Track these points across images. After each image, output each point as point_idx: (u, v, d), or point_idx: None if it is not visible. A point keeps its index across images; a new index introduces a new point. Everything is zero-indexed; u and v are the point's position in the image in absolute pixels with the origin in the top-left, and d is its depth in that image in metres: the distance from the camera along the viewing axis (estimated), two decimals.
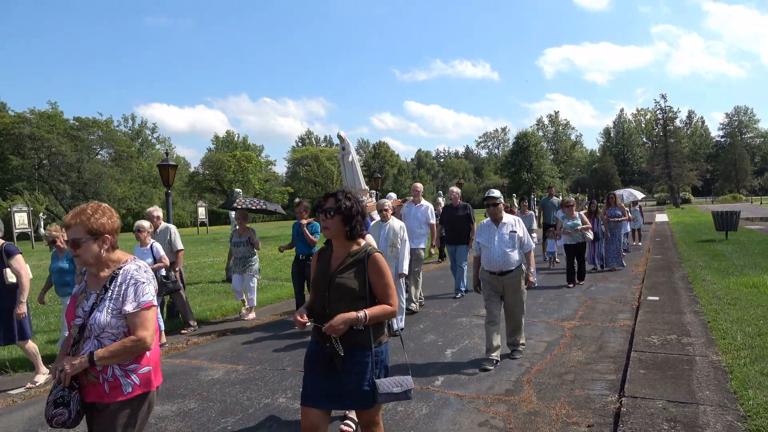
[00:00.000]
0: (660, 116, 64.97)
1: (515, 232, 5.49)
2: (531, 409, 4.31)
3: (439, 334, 6.90)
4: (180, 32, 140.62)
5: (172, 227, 7.76)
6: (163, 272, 7.01)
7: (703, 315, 6.88)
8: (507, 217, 5.58)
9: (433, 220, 8.76)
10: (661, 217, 33.65)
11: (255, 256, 8.35)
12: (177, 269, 7.53)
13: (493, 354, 5.51)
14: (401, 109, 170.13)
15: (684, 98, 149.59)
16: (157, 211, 7.75)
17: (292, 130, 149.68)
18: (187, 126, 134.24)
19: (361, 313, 2.74)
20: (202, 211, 44.55)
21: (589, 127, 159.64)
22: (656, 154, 66.53)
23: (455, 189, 9.90)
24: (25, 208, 33.47)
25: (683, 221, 28.40)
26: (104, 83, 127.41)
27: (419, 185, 9.07)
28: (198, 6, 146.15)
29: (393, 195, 10.30)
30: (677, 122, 69.20)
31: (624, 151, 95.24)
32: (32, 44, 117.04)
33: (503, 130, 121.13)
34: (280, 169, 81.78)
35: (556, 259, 12.93)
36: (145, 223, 6.92)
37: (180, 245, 7.69)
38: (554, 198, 13.95)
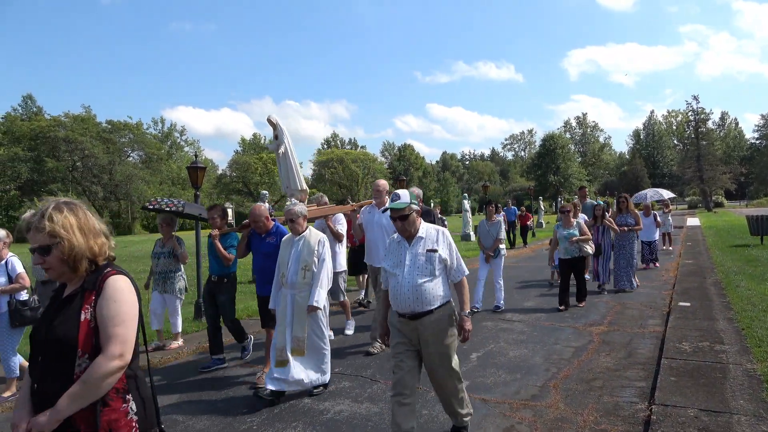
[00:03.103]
0: (692, 118, 63.67)
1: (435, 251, 3.59)
2: (558, 416, 4.25)
3: None
4: (204, 36, 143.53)
5: None
6: (24, 295, 5.32)
7: (737, 322, 6.69)
8: (426, 229, 3.70)
9: None
10: (693, 221, 32.88)
11: (180, 272, 6.89)
12: None
13: None
14: (424, 112, 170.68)
15: (716, 99, 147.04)
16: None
17: (316, 132, 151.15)
18: (213, 129, 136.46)
19: None
20: (229, 213, 45.22)
21: (617, 130, 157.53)
22: (688, 156, 65.21)
23: (415, 190, 7.85)
24: None
25: (716, 225, 27.68)
26: (131, 87, 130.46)
27: (382, 182, 6.62)
28: (221, 11, 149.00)
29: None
30: (710, 124, 67.66)
31: (654, 153, 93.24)
32: (63, 50, 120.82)
33: (530, 132, 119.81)
34: (306, 171, 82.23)
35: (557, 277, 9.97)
36: (0, 232, 5.44)
37: None
38: (588, 201, 11.62)
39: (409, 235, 3.67)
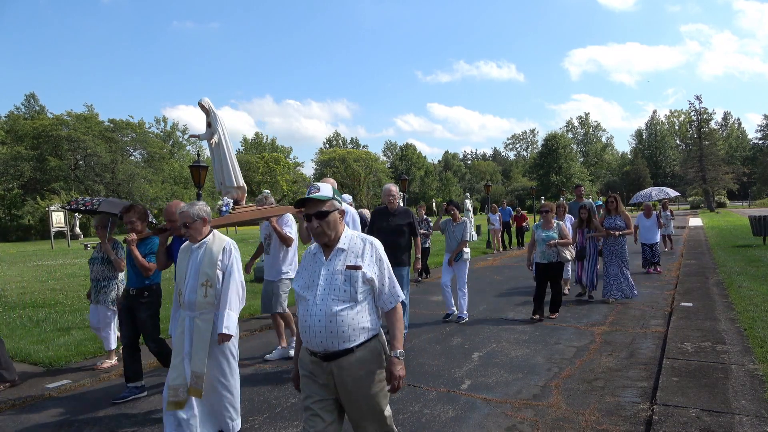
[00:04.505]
0: (694, 118, 63.66)
1: (358, 268, 2.70)
2: (559, 415, 4.25)
3: (465, 338, 6.86)
4: (205, 35, 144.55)
5: None
6: None
7: (739, 322, 6.68)
8: (349, 239, 2.81)
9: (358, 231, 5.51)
10: (695, 222, 32.83)
11: (115, 279, 6.07)
12: None
13: None
14: (425, 111, 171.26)
15: (718, 99, 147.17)
16: None
17: (317, 131, 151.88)
18: None
19: None
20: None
21: (619, 129, 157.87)
22: (690, 156, 65.31)
23: (392, 187, 6.94)
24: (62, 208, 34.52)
25: (718, 225, 27.65)
26: (132, 86, 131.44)
27: (331, 181, 5.53)
28: (222, 10, 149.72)
29: (348, 197, 8.10)
30: (712, 124, 67.69)
31: (656, 153, 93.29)
32: (65, 49, 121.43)
33: (532, 131, 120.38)
34: (308, 170, 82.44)
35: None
36: None
37: None
38: (584, 200, 10.60)
39: (328, 243, 2.76)
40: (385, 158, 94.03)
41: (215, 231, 4.11)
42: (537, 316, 7.65)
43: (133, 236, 4.96)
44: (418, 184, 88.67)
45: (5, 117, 55.61)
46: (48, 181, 51.78)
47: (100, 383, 5.60)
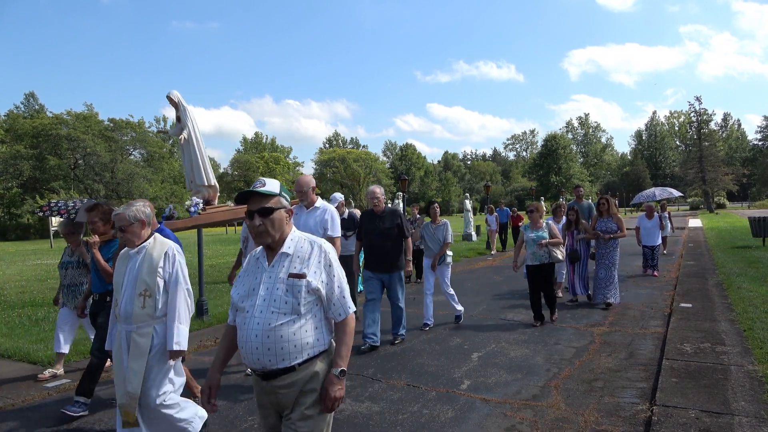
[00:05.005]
0: (694, 119, 63.75)
1: (302, 276, 2.35)
2: (559, 416, 4.25)
3: (465, 338, 6.86)
4: (204, 35, 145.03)
5: None
6: None
7: (738, 323, 6.68)
8: (295, 242, 2.45)
9: (338, 232, 5.38)
10: (695, 222, 32.84)
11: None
12: None
13: None
14: (424, 111, 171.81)
15: (718, 100, 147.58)
16: None
17: (317, 131, 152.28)
18: (213, 128, 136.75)
19: None
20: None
21: (619, 130, 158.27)
22: (690, 157, 65.43)
23: (377, 189, 6.66)
24: None
25: (718, 226, 27.66)
26: (132, 86, 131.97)
27: (307, 178, 5.50)
28: (222, 10, 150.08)
29: (339, 196, 8.26)
30: (712, 125, 67.81)
31: (656, 154, 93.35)
32: (65, 48, 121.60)
33: (531, 132, 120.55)
34: (308, 170, 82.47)
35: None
36: None
37: None
38: (584, 201, 10.55)
39: (272, 246, 2.43)
40: (384, 158, 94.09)
41: (157, 235, 3.73)
42: (539, 324, 7.36)
43: (96, 239, 4.66)
44: (418, 184, 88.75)
45: (5, 116, 55.72)
46: (47, 180, 51.76)
47: (99, 383, 5.58)
